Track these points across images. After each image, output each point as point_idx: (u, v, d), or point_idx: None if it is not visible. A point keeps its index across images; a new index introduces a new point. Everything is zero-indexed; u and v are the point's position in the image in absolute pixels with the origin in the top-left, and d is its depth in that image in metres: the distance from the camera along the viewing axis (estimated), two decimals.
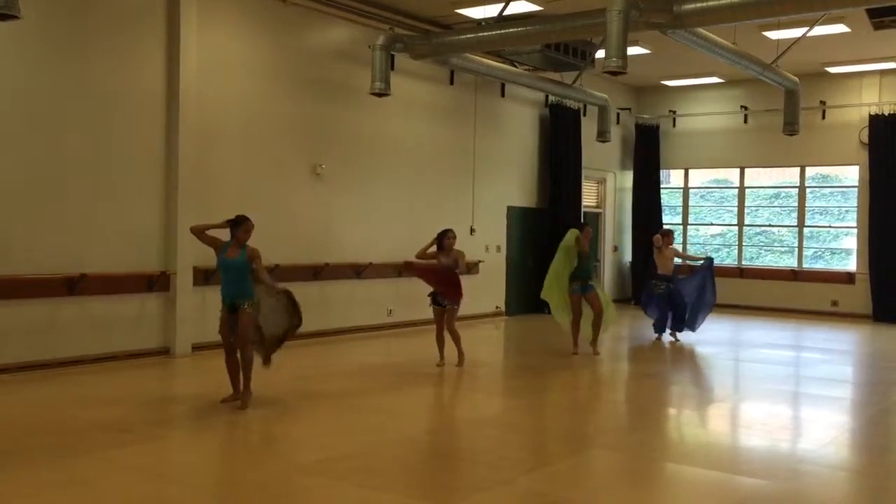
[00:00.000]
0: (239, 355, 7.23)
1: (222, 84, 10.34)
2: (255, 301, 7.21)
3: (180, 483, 5.40)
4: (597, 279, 11.31)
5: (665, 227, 16.51)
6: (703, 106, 17.74)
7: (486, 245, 14.66)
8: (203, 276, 9.82)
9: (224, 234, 7.37)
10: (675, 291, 12.20)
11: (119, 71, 9.29)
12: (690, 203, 18.49)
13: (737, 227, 17.82)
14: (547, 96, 15.54)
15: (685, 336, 12.38)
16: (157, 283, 9.65)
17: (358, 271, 12.13)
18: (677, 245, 16.45)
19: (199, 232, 7.30)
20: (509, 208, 15.29)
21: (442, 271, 9.43)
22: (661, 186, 18.26)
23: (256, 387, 7.30)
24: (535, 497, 5.15)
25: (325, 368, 9.64)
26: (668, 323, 12.39)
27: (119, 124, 9.30)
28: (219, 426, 6.76)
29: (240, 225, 7.26)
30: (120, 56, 9.30)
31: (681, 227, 18.38)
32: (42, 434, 6.25)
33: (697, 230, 18.64)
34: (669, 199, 18.64)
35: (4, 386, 7.92)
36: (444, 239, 9.49)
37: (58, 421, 6.68)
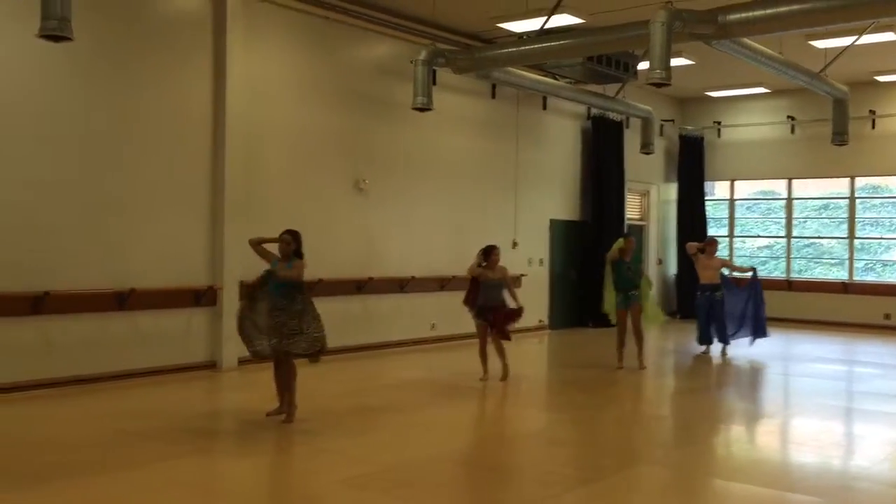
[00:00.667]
0: (284, 367, 7.28)
1: (267, 101, 10.49)
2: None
3: (228, 497, 5.45)
4: (647, 283, 11.09)
5: (710, 236, 16.27)
6: (749, 116, 17.51)
7: (529, 258, 14.60)
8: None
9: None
10: (717, 302, 11.99)
11: (167, 89, 9.48)
12: (736, 215, 18.22)
13: (784, 239, 17.51)
14: (589, 109, 15.47)
15: (733, 350, 12.16)
16: (204, 297, 9.79)
17: (401, 285, 12.17)
18: (724, 257, 16.24)
19: (257, 244, 7.37)
20: (552, 221, 15.23)
21: (498, 310, 9.41)
22: (706, 198, 18.03)
23: (301, 400, 7.34)
24: None
25: (369, 382, 9.67)
26: (712, 335, 12.18)
27: (167, 141, 9.49)
28: (265, 440, 6.81)
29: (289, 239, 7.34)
30: (168, 75, 9.50)
31: (727, 238, 18.12)
32: (92, 447, 6.36)
33: (744, 242, 18.35)
34: (714, 211, 18.40)
35: (57, 399, 8.08)
36: (491, 255, 9.49)
37: (107, 434, 6.78)
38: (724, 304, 12.03)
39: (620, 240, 10.77)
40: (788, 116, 16.83)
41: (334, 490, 5.38)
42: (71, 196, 8.65)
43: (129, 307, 9.05)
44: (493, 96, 13.68)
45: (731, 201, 18.22)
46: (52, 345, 8.46)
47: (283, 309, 7.13)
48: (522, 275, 14.17)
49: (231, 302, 9.91)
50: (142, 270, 9.18)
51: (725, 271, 12.58)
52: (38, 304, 8.31)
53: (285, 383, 7.26)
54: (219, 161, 9.90)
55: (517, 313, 9.62)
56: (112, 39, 9.01)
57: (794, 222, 17.39)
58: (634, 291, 10.66)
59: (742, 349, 12.21)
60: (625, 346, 10.72)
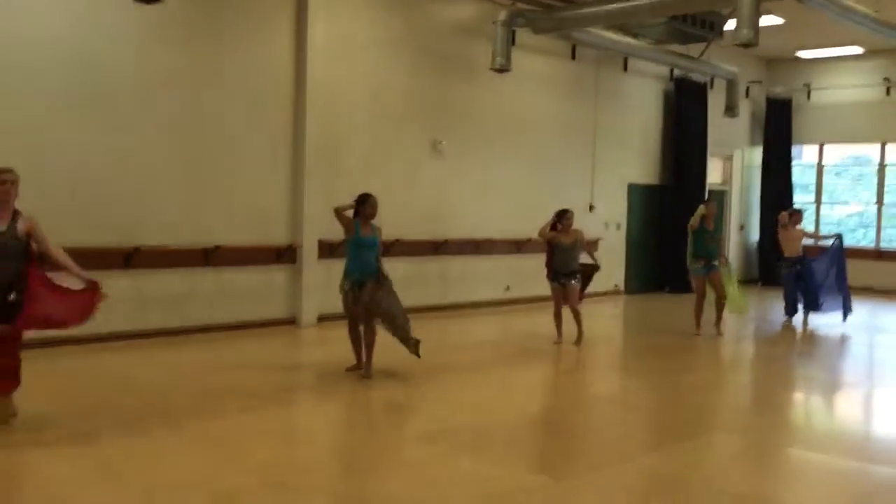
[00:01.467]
0: (363, 328, 7.45)
1: (348, 59, 10.59)
2: (378, 278, 7.39)
3: (309, 444, 5.67)
4: (725, 263, 10.80)
5: (795, 206, 15.77)
6: (841, 78, 16.80)
7: (606, 222, 14.46)
8: (328, 249, 10.15)
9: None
10: (805, 273, 11.66)
11: (250, 49, 9.67)
12: (824, 181, 17.60)
13: (875, 206, 16.86)
14: (672, 70, 15.09)
15: (817, 320, 11.85)
16: (285, 255, 10.05)
17: (476, 247, 12.24)
18: (809, 226, 15.77)
19: (340, 213, 7.51)
20: (630, 185, 15.01)
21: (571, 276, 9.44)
22: (793, 163, 17.46)
23: (378, 359, 7.52)
24: (655, 476, 5.11)
25: (443, 342, 9.81)
26: (800, 305, 11.86)
27: (250, 102, 9.70)
28: (342, 394, 7.01)
29: (365, 201, 7.44)
30: (251, 37, 9.68)
31: (813, 205, 17.55)
32: (182, 396, 6.67)
33: (832, 208, 17.74)
34: (801, 176, 17.80)
35: (147, 350, 8.48)
36: (564, 219, 9.44)
37: (195, 384, 7.10)
38: (812, 273, 11.66)
39: (702, 206, 10.53)
40: (884, 78, 16.08)
41: (406, 445, 5.53)
42: (159, 156, 8.96)
43: (214, 263, 9.37)
44: (573, 57, 13.48)
45: (820, 166, 17.60)
46: (143, 298, 8.85)
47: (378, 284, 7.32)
48: (599, 238, 14.06)
49: (311, 260, 10.16)
50: (226, 228, 9.48)
51: (808, 241, 12.19)
52: (130, 259, 8.69)
53: (366, 340, 7.42)
54: (299, 122, 10.08)
55: (593, 269, 9.55)
56: (197, 3, 9.21)
57: (887, 189, 16.70)
58: (715, 262, 10.44)
59: (826, 319, 11.88)
60: (703, 313, 10.56)
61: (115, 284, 8.58)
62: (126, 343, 8.56)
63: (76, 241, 8.17)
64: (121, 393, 6.64)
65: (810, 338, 11.16)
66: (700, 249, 10.43)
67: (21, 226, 5.48)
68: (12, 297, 5.41)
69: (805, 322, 11.77)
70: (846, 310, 11.69)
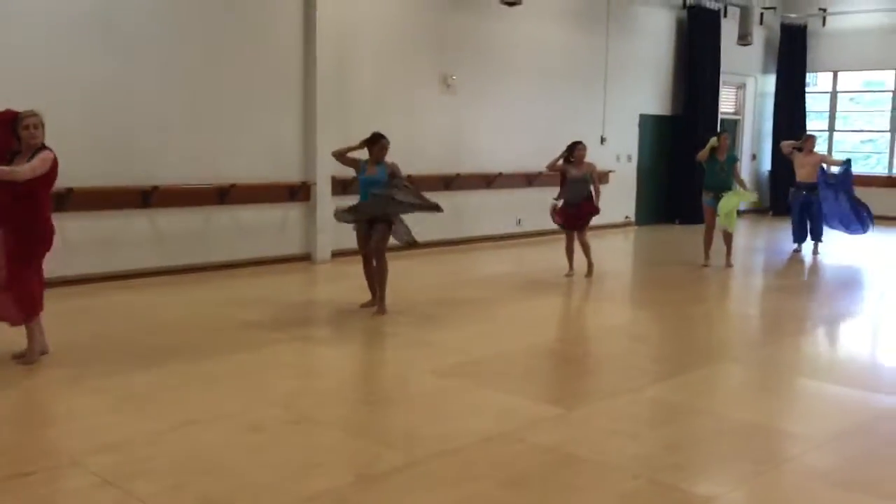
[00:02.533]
0: (375, 265, 7.59)
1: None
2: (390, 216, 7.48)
3: (328, 378, 5.87)
4: (740, 187, 10.66)
5: (808, 132, 15.66)
6: (857, 3, 16.50)
7: (617, 154, 14.45)
8: (341, 187, 10.23)
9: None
10: (813, 201, 11.68)
11: None
12: (838, 108, 17.43)
13: (889, 134, 16.73)
14: None
15: (825, 248, 11.93)
16: (299, 193, 10.15)
17: (488, 181, 12.29)
18: (823, 152, 15.65)
19: (340, 155, 7.58)
20: (642, 116, 14.94)
21: (576, 209, 9.42)
22: (807, 91, 17.27)
23: (393, 293, 7.68)
24: (663, 405, 5.28)
25: (457, 277, 9.97)
26: (808, 232, 11.92)
27: (261, 43, 9.68)
28: (359, 328, 7.20)
29: (375, 143, 7.49)
30: None
31: (827, 133, 17.42)
32: (203, 331, 6.87)
33: (846, 136, 17.62)
34: (814, 104, 17.63)
35: (165, 287, 8.67)
36: (575, 151, 9.45)
37: (215, 320, 7.29)
38: (822, 201, 11.70)
39: (714, 138, 10.50)
40: None
41: (425, 378, 5.70)
42: (174, 97, 9.01)
43: (229, 201, 9.49)
44: None
45: (834, 93, 17.41)
46: (160, 236, 9.01)
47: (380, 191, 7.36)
48: (610, 171, 14.06)
49: (324, 197, 10.27)
50: (241, 167, 9.57)
51: (824, 167, 12.18)
52: (148, 198, 8.82)
53: (378, 278, 7.57)
54: (310, 59, 10.05)
55: (593, 210, 9.57)
56: None
57: None
58: (725, 192, 10.43)
59: (834, 248, 11.96)
60: (712, 244, 10.66)
61: (134, 223, 8.80)
62: (144, 281, 8.76)
63: (95, 181, 8.33)
64: (142, 329, 6.84)
65: (819, 268, 11.26)
66: (710, 181, 10.45)
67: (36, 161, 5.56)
68: None
69: (815, 251, 11.85)
70: (864, 223, 11.70)
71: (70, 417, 4.83)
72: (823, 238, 11.88)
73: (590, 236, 9.77)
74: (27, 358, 5.68)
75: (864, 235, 11.93)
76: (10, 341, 5.87)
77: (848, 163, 11.98)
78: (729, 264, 10.59)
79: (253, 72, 9.62)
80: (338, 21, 10.22)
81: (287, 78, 9.96)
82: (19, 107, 5.65)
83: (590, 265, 9.65)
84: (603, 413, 5.04)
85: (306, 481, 3.93)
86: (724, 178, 10.42)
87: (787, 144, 11.94)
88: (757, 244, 13.11)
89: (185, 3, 8.98)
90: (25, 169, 5.40)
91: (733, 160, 10.70)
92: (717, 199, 10.40)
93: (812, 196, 11.67)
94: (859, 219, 11.72)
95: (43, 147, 5.56)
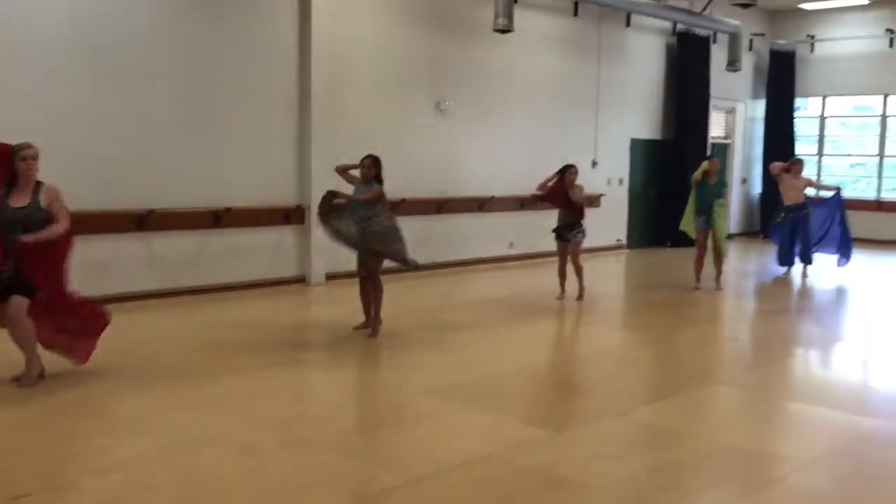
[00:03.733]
0: (371, 287, 7.69)
1: (352, 23, 10.66)
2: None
3: (321, 400, 5.94)
4: (725, 206, 10.90)
5: (797, 156, 15.88)
6: (845, 30, 16.77)
7: (609, 178, 14.61)
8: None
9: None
10: (801, 222, 11.82)
11: (256, 16, 9.76)
12: (827, 132, 17.67)
13: (877, 158, 16.95)
14: (674, 25, 15.09)
15: (814, 272, 12.07)
16: (293, 216, 10.26)
17: (480, 205, 12.42)
18: (812, 176, 15.86)
19: (343, 171, 7.70)
20: (633, 140, 15.12)
21: (559, 192, 9.59)
22: (795, 115, 17.51)
23: (386, 316, 7.77)
24: (650, 428, 5.37)
25: (449, 299, 10.07)
26: (795, 255, 12.05)
27: (256, 65, 9.81)
28: (352, 351, 7.28)
29: (361, 163, 7.62)
30: (257, 1, 9.74)
31: (816, 157, 17.64)
32: (198, 353, 6.94)
33: (835, 160, 17.85)
34: (804, 128, 17.86)
35: (162, 309, 8.74)
36: (567, 174, 9.61)
37: (211, 342, 7.36)
38: (810, 223, 11.85)
39: (705, 162, 10.68)
40: (887, 29, 16.06)
41: (417, 399, 5.79)
42: (171, 121, 9.12)
43: (224, 225, 9.59)
44: (576, 14, 13.50)
45: (822, 118, 17.66)
46: (156, 259, 9.09)
47: (370, 218, 7.46)
48: (601, 194, 14.22)
49: (318, 220, 10.34)
50: (236, 190, 9.67)
51: (811, 191, 12.35)
52: (144, 221, 8.91)
53: (372, 299, 7.67)
54: (305, 84, 10.20)
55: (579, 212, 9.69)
56: None
57: (889, 140, 16.78)
58: (716, 214, 10.60)
59: (823, 271, 12.10)
60: (703, 267, 10.78)
61: (129, 246, 8.88)
62: (140, 304, 8.82)
63: (91, 205, 8.41)
64: (138, 352, 6.90)
65: (808, 291, 11.38)
66: (701, 204, 10.60)
67: (43, 197, 5.69)
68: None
69: (805, 274, 11.99)
70: (844, 255, 11.89)
71: (67, 440, 4.89)
72: (813, 260, 12.01)
73: (583, 258, 9.88)
74: (25, 380, 5.74)
75: (840, 266, 12.06)
76: (10, 363, 5.93)
77: (838, 190, 12.17)
78: (719, 287, 10.71)
79: (248, 96, 9.76)
80: (332, 46, 10.38)
81: (282, 102, 10.10)
82: (17, 136, 5.76)
83: (581, 288, 9.76)
84: (591, 436, 5.12)
85: (301, 502, 4.01)
86: (713, 201, 10.58)
87: (776, 166, 12.11)
88: (747, 267, 13.23)
89: (180, 29, 9.11)
90: (63, 224, 5.66)
91: (723, 185, 10.88)
92: (708, 221, 10.55)
93: (800, 216, 11.81)
94: (843, 247, 11.87)
95: (39, 182, 5.67)
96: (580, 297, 9.75)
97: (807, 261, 11.96)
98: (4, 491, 4.04)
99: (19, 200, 5.63)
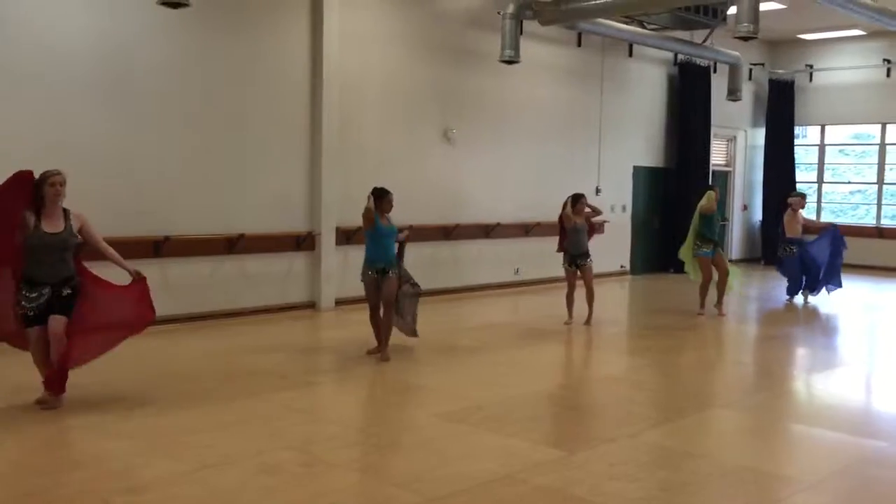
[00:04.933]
0: (383, 313, 7.89)
1: (361, 53, 10.93)
2: (397, 268, 7.88)
3: (338, 422, 6.09)
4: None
5: (798, 190, 16.08)
6: (843, 60, 17.07)
7: (612, 205, 14.80)
8: (345, 237, 10.56)
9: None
10: (807, 254, 12.02)
11: (269, 46, 10.02)
12: (826, 160, 17.92)
13: (876, 186, 17.18)
14: (676, 55, 15.39)
15: (817, 299, 12.24)
16: (304, 242, 10.45)
17: (486, 231, 12.62)
18: (811, 205, 16.15)
19: (371, 211, 7.86)
20: (635, 168, 15.35)
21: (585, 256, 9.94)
22: (796, 143, 17.77)
23: (397, 339, 7.93)
24: (659, 449, 5.52)
25: (457, 324, 10.23)
26: (803, 285, 12.23)
27: (269, 95, 10.06)
28: (365, 375, 7.44)
29: (383, 197, 7.86)
30: (269, 31, 10.02)
31: (815, 184, 17.88)
32: (214, 377, 7.11)
33: (835, 188, 18.09)
34: (803, 156, 18.12)
35: (176, 334, 8.90)
36: (578, 203, 9.88)
37: (226, 366, 7.53)
38: (813, 256, 12.02)
39: (710, 192, 10.93)
40: (884, 59, 16.36)
41: (432, 422, 5.94)
42: (185, 149, 9.35)
43: (238, 251, 9.78)
44: (579, 44, 13.79)
45: (822, 146, 17.91)
46: (171, 284, 9.27)
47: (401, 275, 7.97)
48: (606, 221, 14.41)
49: (329, 246, 10.57)
50: (249, 217, 9.87)
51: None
52: (160, 248, 9.11)
53: (385, 326, 7.87)
54: (316, 113, 10.44)
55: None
56: None
57: (889, 168, 17.02)
58: (719, 243, 10.90)
59: (827, 298, 12.27)
60: (707, 294, 10.95)
61: (146, 272, 9.02)
62: (154, 329, 8.90)
63: (108, 231, 8.56)
64: (156, 376, 7.07)
65: (811, 317, 11.54)
66: (709, 233, 10.80)
67: (74, 222, 5.90)
68: (67, 291, 5.84)
69: (805, 301, 12.16)
70: (832, 285, 12.07)
71: (96, 460, 5.05)
72: (830, 288, 12.15)
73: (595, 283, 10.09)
74: (51, 403, 5.90)
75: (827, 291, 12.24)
76: (33, 388, 6.09)
77: (833, 227, 12.31)
78: (722, 313, 10.88)
79: (261, 124, 10.00)
80: (342, 75, 10.63)
81: (294, 130, 10.34)
82: (34, 163, 5.98)
83: (590, 313, 9.94)
84: (602, 457, 5.28)
85: None
86: (718, 227, 10.87)
87: (797, 201, 12.22)
88: (750, 293, 13.40)
89: (192, 58, 9.36)
90: (106, 244, 6.24)
91: (721, 215, 11.16)
92: (714, 251, 10.76)
93: (803, 250, 11.99)
94: (829, 278, 12.02)
95: (65, 208, 5.92)
96: (588, 321, 9.92)
97: (814, 289, 12.12)
98: None
99: (52, 226, 5.84)
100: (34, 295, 5.80)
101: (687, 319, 10.70)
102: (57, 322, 5.81)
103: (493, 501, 4.45)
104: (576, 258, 9.92)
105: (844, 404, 7.11)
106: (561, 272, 10.22)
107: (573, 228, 9.87)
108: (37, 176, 5.85)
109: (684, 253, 11.17)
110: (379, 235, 7.85)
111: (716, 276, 10.93)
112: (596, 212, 10.21)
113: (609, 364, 8.45)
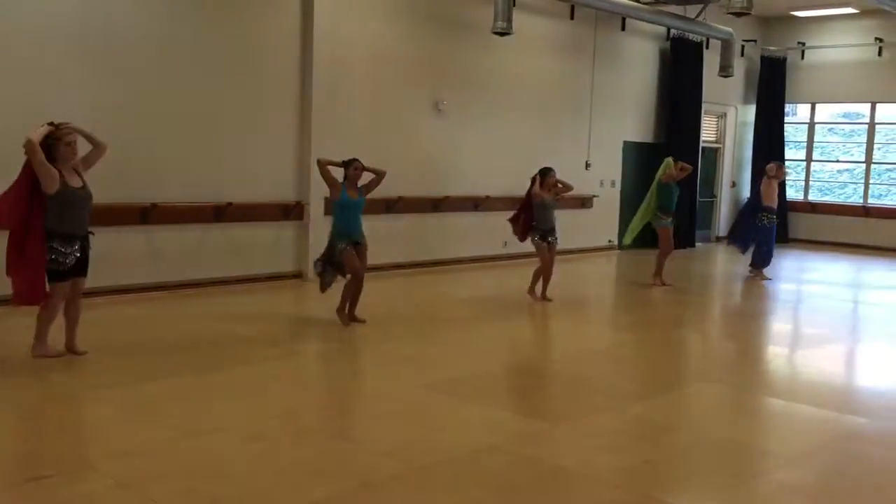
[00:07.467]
0: (358, 281, 8.03)
1: (352, 23, 10.82)
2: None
3: (324, 391, 6.13)
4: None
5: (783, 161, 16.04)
6: (835, 37, 17.05)
7: (601, 180, 14.83)
8: None
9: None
10: (773, 227, 12.04)
11: (259, 16, 9.91)
12: (816, 138, 17.97)
13: (864, 165, 17.26)
14: (669, 30, 15.32)
15: (800, 276, 12.32)
16: (293, 212, 10.42)
17: (475, 204, 12.61)
18: (800, 182, 16.18)
19: (324, 165, 7.95)
20: (625, 143, 15.34)
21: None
22: (785, 121, 17.79)
23: (384, 311, 7.96)
24: (643, 422, 5.58)
25: (445, 296, 10.26)
26: (751, 257, 12.23)
27: (258, 64, 9.97)
28: (352, 345, 7.48)
29: (349, 164, 7.90)
30: (260, 1, 9.93)
31: (804, 162, 17.94)
32: (201, 345, 7.11)
33: (823, 166, 18.14)
34: (793, 134, 18.15)
35: (164, 301, 8.89)
36: (548, 176, 9.80)
37: (213, 334, 7.53)
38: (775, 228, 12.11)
39: (668, 160, 11.14)
40: (876, 38, 16.35)
41: (418, 392, 5.97)
42: (174, 117, 9.26)
43: (225, 219, 9.74)
44: (572, 17, 13.70)
45: (812, 124, 17.95)
46: (157, 252, 9.24)
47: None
48: (594, 196, 14.45)
49: (317, 217, 10.53)
50: (237, 186, 9.82)
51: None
52: (146, 215, 9.06)
53: (357, 292, 8.06)
54: (306, 83, 10.36)
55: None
56: None
57: (877, 147, 17.09)
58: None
59: (813, 275, 12.35)
60: (664, 265, 11.26)
61: (132, 240, 9.02)
62: (142, 296, 8.96)
63: (94, 197, 8.52)
64: (143, 343, 7.06)
65: (791, 295, 11.63)
66: (669, 203, 10.96)
67: (84, 176, 6.18)
68: (88, 249, 6.24)
69: (758, 274, 12.13)
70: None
71: (82, 426, 5.07)
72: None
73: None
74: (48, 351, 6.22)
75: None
76: (13, 357, 6.08)
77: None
78: (664, 283, 11.14)
79: (250, 92, 9.91)
80: (333, 46, 10.53)
81: (283, 99, 10.26)
82: (22, 131, 5.98)
83: (545, 287, 9.87)
84: (587, 429, 5.33)
85: (310, 487, 4.19)
86: (676, 201, 11.13)
87: (773, 167, 12.14)
88: (735, 269, 13.48)
89: (182, 24, 9.26)
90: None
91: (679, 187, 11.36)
92: (672, 222, 11.12)
93: (774, 219, 12.04)
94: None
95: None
96: (545, 294, 9.85)
97: (759, 264, 12.16)
98: (27, 472, 4.21)
99: (73, 181, 6.07)
100: (68, 250, 6.03)
101: (671, 294, 10.79)
102: (83, 284, 6.24)
103: (478, 471, 4.50)
104: (546, 233, 9.87)
105: (826, 380, 7.19)
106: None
107: (541, 204, 9.77)
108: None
109: (636, 223, 11.33)
110: (343, 207, 7.90)
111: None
112: (567, 187, 10.01)
113: (592, 338, 8.50)
